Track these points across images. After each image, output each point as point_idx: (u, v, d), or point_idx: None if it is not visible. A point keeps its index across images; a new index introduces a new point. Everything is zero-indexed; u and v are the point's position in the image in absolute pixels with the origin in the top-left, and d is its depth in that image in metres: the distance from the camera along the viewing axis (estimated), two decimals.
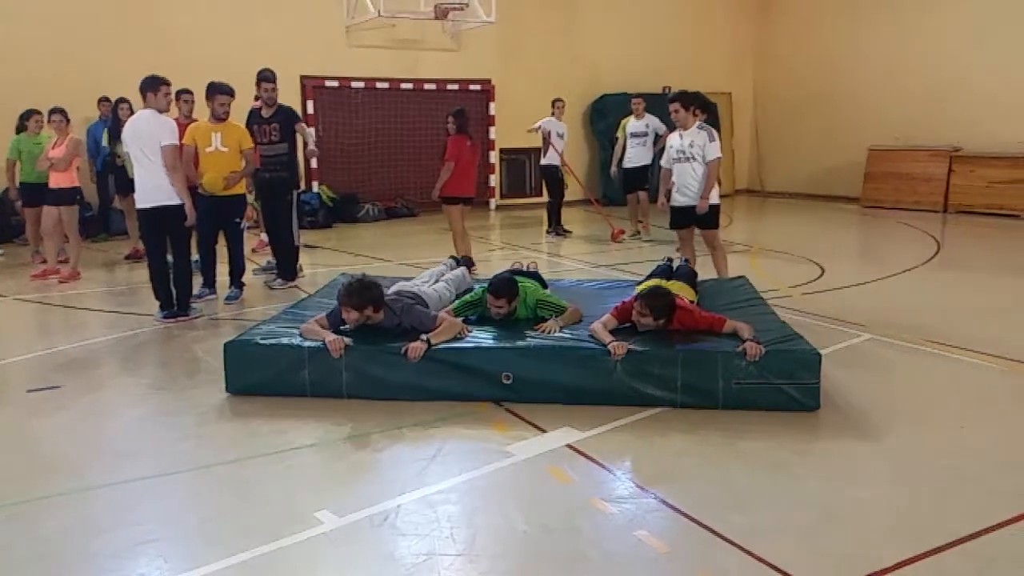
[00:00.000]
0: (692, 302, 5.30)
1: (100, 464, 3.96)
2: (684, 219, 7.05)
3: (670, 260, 6.68)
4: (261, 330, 5.15)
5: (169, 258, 6.77)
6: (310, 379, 4.75)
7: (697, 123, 6.97)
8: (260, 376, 4.82)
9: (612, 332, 4.75)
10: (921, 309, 6.96)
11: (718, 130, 17.03)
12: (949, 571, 2.94)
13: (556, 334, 4.89)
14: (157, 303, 6.72)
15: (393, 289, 5.49)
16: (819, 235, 11.91)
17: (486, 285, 5.32)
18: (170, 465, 3.90)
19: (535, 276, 5.96)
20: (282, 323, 5.28)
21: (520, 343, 4.77)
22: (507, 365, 4.64)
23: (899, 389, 4.84)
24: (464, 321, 5.11)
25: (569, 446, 4.05)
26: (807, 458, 3.92)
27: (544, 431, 4.23)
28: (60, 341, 6.24)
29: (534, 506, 3.47)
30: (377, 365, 4.72)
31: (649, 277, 6.00)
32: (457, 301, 5.51)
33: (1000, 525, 3.22)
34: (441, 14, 13.08)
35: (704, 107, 7.36)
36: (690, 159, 6.85)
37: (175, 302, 6.71)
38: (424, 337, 4.70)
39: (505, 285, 5.19)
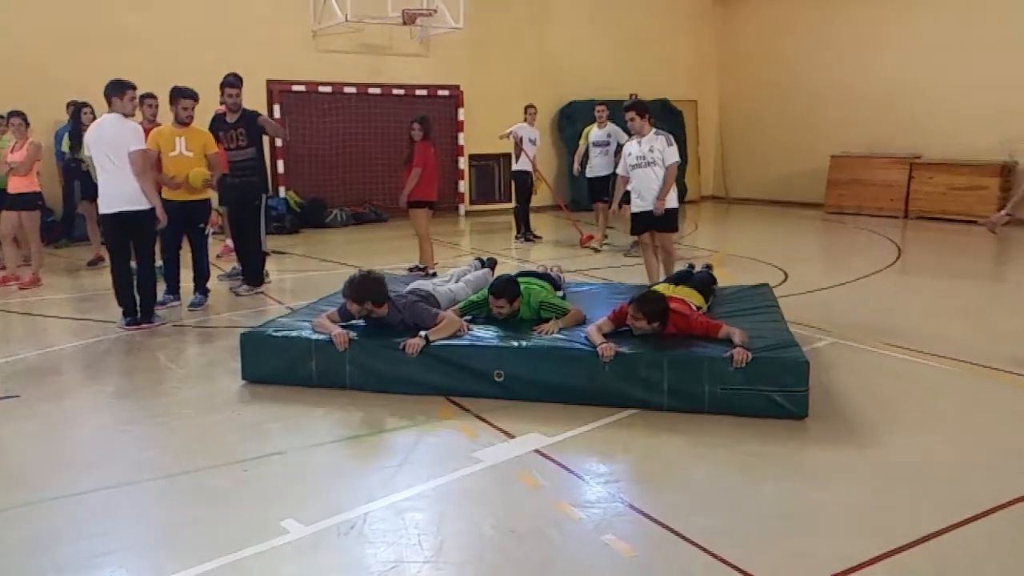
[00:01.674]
0: (699, 308, 5.37)
1: (60, 475, 3.88)
2: (645, 224, 7.18)
3: (691, 266, 6.78)
4: (277, 323, 5.47)
5: (133, 264, 6.67)
6: (317, 370, 4.99)
7: (653, 129, 7.11)
8: (272, 366, 5.08)
9: (610, 335, 4.83)
10: (883, 313, 7.09)
11: (684, 137, 17.20)
12: (910, 570, 2.99)
13: (553, 335, 4.97)
14: (120, 310, 6.62)
15: (409, 287, 5.68)
16: (783, 241, 12.08)
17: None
18: (133, 474, 3.85)
19: (546, 277, 6.01)
20: (299, 317, 5.57)
21: (513, 342, 4.87)
22: (500, 363, 4.75)
23: (861, 392, 4.92)
24: (472, 320, 5.27)
25: (537, 451, 4.06)
26: (770, 460, 3.97)
27: (512, 436, 4.24)
28: (20, 349, 6.11)
29: (502, 512, 3.48)
30: (378, 359, 4.92)
31: (665, 282, 6.07)
32: (463, 301, 5.63)
33: (960, 524, 3.29)
34: (409, 19, 13.07)
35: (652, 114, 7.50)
36: (650, 164, 7.01)
37: (139, 309, 6.62)
38: (423, 334, 4.84)
39: (505, 286, 5.32)
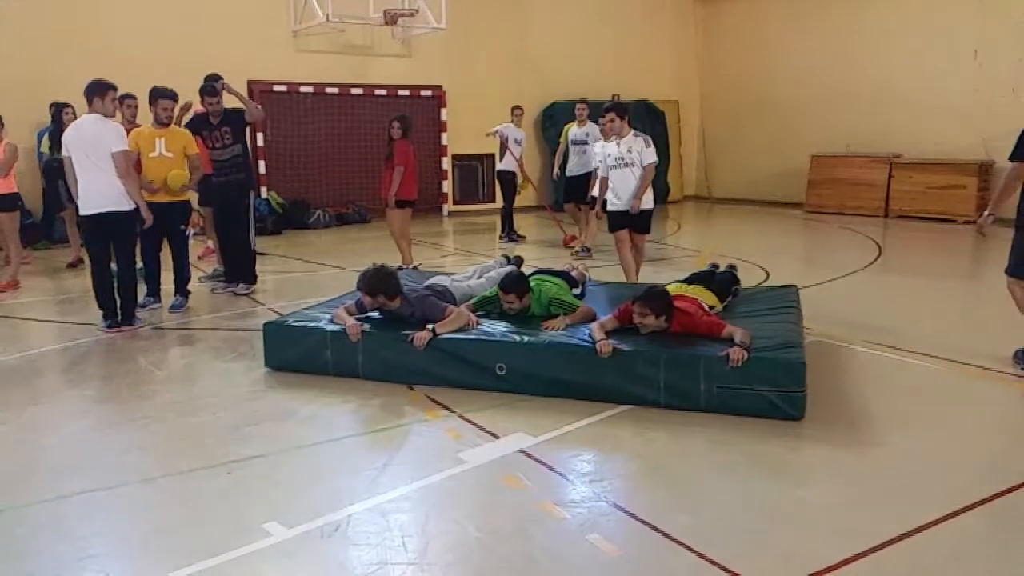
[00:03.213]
0: (712, 308, 5.38)
1: (39, 479, 3.84)
2: (622, 222, 7.33)
3: (715, 266, 6.83)
4: (298, 314, 5.71)
5: (113, 266, 6.61)
6: (332, 359, 5.21)
7: (632, 131, 7.27)
8: (291, 354, 5.33)
9: (615, 333, 4.88)
10: (864, 311, 7.14)
11: (666, 138, 17.20)
12: (889, 568, 3.02)
13: (558, 331, 5.05)
14: (100, 312, 6.55)
15: (427, 282, 5.86)
16: (764, 240, 12.13)
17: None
18: (113, 478, 3.81)
19: (563, 275, 6.03)
20: (322, 309, 5.75)
21: (515, 337, 4.96)
22: (502, 357, 4.85)
23: (842, 390, 4.95)
24: (485, 315, 5.41)
25: (522, 451, 4.06)
26: (754, 459, 3.99)
27: (497, 437, 4.23)
28: None
29: (486, 513, 3.47)
30: (389, 350, 5.11)
31: (678, 282, 6.08)
32: (477, 296, 5.71)
33: (936, 522, 3.32)
34: (390, 20, 13.02)
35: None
36: (629, 164, 7.18)
37: (119, 311, 6.56)
38: (430, 327, 5.02)
39: (514, 282, 5.43)
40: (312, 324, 5.36)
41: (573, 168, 10.84)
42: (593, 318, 5.22)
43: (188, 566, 3.01)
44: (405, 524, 3.35)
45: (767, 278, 8.43)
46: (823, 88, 15.21)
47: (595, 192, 9.51)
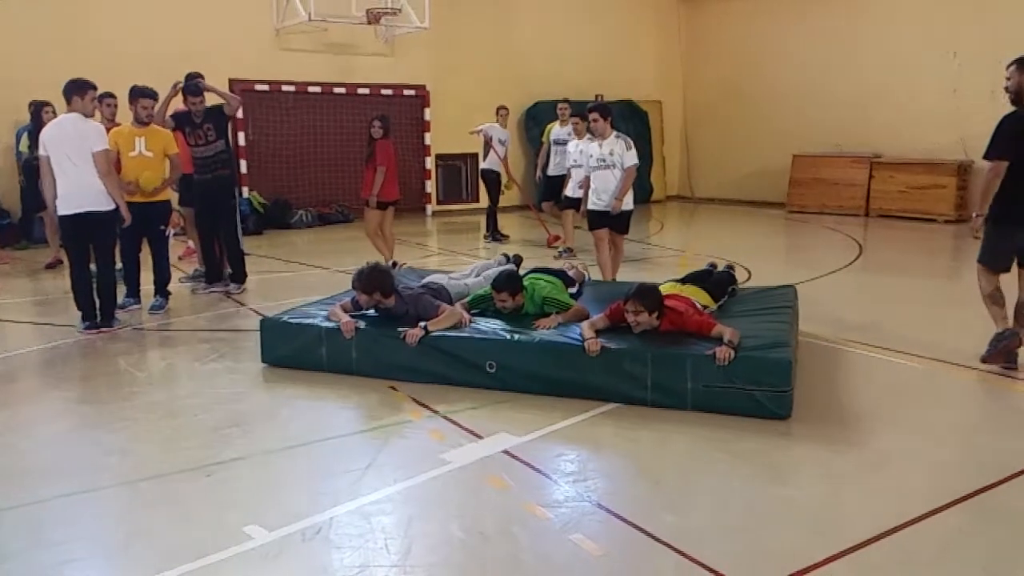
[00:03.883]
0: (705, 307, 5.39)
1: (17, 482, 3.79)
2: (601, 222, 7.41)
3: (713, 265, 6.86)
4: (294, 311, 5.76)
5: (92, 267, 6.54)
6: (327, 356, 5.27)
7: (614, 132, 7.33)
8: (287, 350, 5.41)
9: (606, 332, 4.89)
10: (845, 310, 7.18)
11: (649, 138, 17.19)
12: (873, 565, 3.03)
13: (550, 329, 5.07)
14: (79, 314, 6.48)
15: (424, 280, 6.02)
16: (747, 239, 12.19)
17: None
18: (93, 481, 3.76)
19: (560, 275, 6.04)
20: (319, 306, 5.81)
21: (506, 335, 5.00)
22: (492, 355, 4.90)
23: (823, 389, 4.98)
24: (480, 313, 5.46)
25: (505, 451, 4.05)
26: (739, 458, 4.00)
27: (481, 437, 4.22)
28: None
29: (470, 513, 3.46)
30: (382, 347, 5.18)
31: (672, 281, 6.08)
32: (471, 295, 5.75)
33: (919, 518, 3.34)
34: (373, 19, 12.97)
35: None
36: (610, 166, 7.25)
37: (98, 313, 6.48)
38: (422, 324, 5.07)
39: (506, 281, 5.48)
40: (307, 321, 5.42)
41: (554, 167, 10.85)
42: (586, 317, 5.24)
43: (168, 570, 2.98)
44: (388, 526, 3.33)
45: (750, 277, 8.47)
46: (805, 88, 15.31)
47: (568, 191, 9.59)
